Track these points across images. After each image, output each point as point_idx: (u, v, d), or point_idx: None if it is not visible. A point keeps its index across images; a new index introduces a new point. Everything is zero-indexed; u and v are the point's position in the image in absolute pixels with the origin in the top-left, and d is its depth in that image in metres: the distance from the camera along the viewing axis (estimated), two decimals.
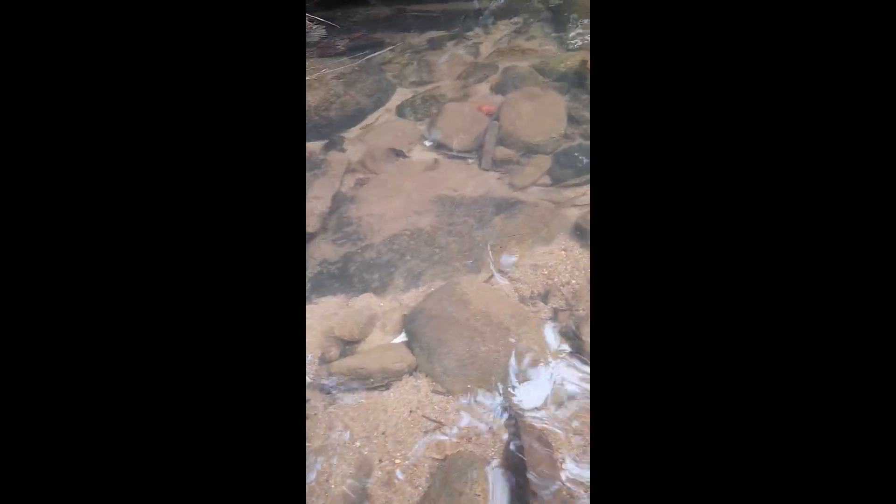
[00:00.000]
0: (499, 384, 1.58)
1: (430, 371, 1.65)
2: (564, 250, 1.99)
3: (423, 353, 1.68)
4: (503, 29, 3.51)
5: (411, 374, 1.66)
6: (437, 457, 1.44)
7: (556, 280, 1.87)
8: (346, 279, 2.00)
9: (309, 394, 1.63)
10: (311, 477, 1.40)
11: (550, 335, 1.69)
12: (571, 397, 1.52)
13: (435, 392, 1.60)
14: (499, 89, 2.90)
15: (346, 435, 1.51)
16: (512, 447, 1.42)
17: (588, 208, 2.12)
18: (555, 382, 1.56)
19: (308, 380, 1.67)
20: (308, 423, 1.55)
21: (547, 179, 2.35)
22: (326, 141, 2.68)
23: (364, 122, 2.82)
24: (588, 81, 2.74)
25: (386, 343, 1.77)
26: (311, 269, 2.05)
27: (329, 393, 1.62)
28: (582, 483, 1.32)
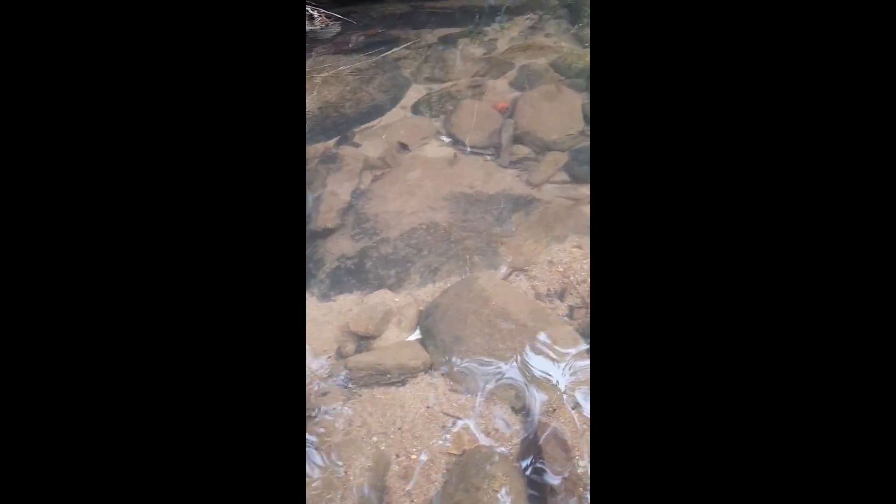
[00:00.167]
0: (515, 379, 1.59)
1: (446, 366, 1.65)
2: (579, 247, 1.99)
3: (438, 350, 1.69)
4: (519, 25, 3.50)
5: (426, 372, 1.67)
6: (455, 452, 1.45)
7: (571, 278, 1.87)
8: (362, 274, 2.01)
9: (326, 388, 1.64)
10: (329, 471, 1.42)
11: (567, 332, 1.69)
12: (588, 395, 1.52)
13: (452, 390, 1.61)
14: (515, 86, 2.89)
15: (364, 430, 1.52)
16: (529, 444, 1.42)
17: None
18: (572, 380, 1.56)
19: (325, 374, 1.69)
20: (326, 417, 1.57)
21: (563, 176, 2.34)
22: (342, 137, 2.69)
23: (380, 119, 2.83)
24: None
25: (402, 340, 1.78)
26: (330, 264, 2.06)
27: (346, 388, 1.64)
28: None
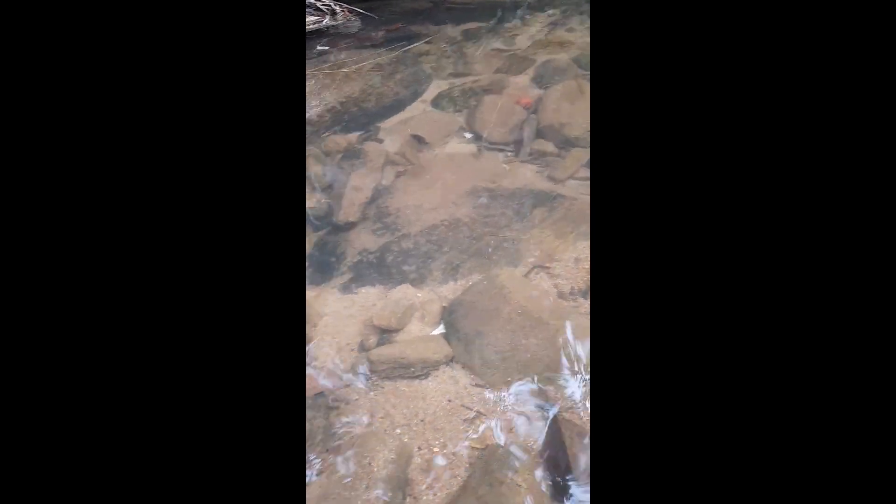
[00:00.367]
0: (536, 377, 1.59)
1: (469, 362, 1.66)
2: None
3: (461, 345, 1.70)
4: (541, 21, 3.48)
5: (448, 365, 1.67)
6: (478, 446, 1.45)
7: None
8: (384, 269, 2.02)
9: (349, 380, 1.66)
10: (353, 462, 1.43)
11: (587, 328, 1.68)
12: None
13: (475, 384, 1.61)
14: (537, 82, 2.87)
15: (388, 422, 1.53)
16: (553, 440, 1.42)
17: None
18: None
19: (348, 366, 1.70)
20: (348, 408, 1.58)
21: (585, 173, 2.33)
22: (364, 132, 2.71)
23: (401, 114, 2.84)
24: None
25: (425, 334, 1.78)
26: (352, 258, 2.07)
27: (369, 380, 1.65)
28: None
